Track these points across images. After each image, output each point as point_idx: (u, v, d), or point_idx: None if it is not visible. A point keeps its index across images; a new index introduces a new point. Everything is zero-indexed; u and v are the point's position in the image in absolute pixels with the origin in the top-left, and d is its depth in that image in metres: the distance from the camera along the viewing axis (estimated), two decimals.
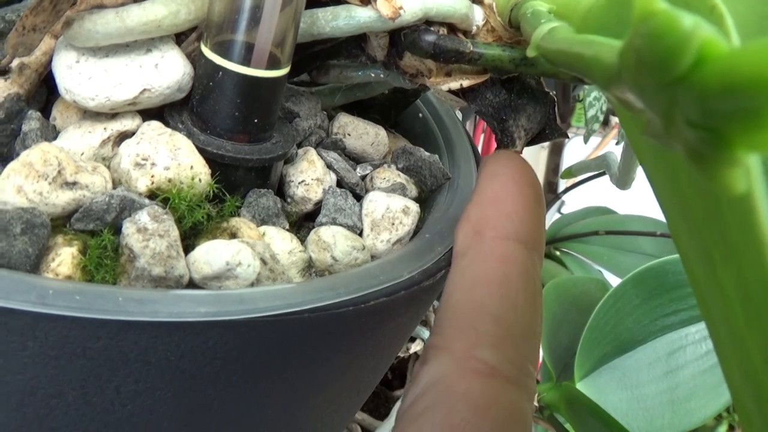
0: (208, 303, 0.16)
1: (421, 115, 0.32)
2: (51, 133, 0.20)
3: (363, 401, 0.29)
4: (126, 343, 0.16)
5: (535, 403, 0.60)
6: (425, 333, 0.55)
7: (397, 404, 0.45)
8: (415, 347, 0.55)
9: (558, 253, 0.95)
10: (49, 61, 0.20)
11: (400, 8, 0.22)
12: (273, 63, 0.21)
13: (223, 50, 0.20)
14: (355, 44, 0.25)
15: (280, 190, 0.24)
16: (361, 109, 0.31)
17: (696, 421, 0.54)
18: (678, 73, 0.10)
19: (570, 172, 0.68)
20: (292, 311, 0.17)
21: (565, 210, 1.18)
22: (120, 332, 0.16)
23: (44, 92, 0.22)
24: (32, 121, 0.19)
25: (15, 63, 0.20)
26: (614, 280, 0.71)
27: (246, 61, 0.20)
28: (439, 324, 0.19)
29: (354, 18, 0.22)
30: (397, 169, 0.27)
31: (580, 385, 0.57)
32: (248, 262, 0.17)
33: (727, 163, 0.09)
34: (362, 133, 0.27)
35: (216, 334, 0.17)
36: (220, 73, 0.20)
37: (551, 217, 1.10)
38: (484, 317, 0.18)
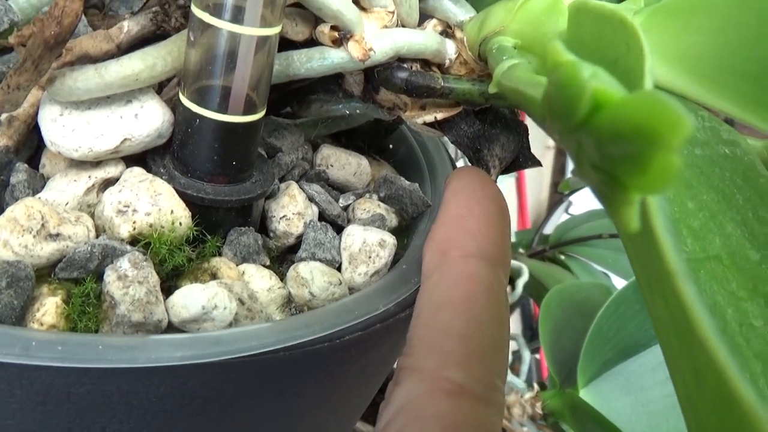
0: (185, 347, 0.17)
1: (405, 140, 0.32)
2: (39, 182, 0.21)
3: (354, 422, 0.29)
4: (108, 388, 0.17)
5: (539, 411, 0.60)
6: None
7: None
8: None
9: (563, 257, 0.95)
10: (37, 112, 0.21)
11: (370, 50, 0.23)
12: (249, 107, 0.21)
13: (200, 98, 0.21)
14: (332, 80, 0.26)
15: (263, 224, 0.25)
16: (347, 135, 0.32)
17: None
18: (578, 120, 0.11)
19: (567, 185, 0.69)
20: (267, 350, 0.18)
21: (572, 211, 1.18)
22: (102, 378, 0.17)
23: (34, 139, 0.23)
24: (20, 174, 0.20)
25: (4, 116, 0.21)
26: (621, 284, 0.72)
27: (222, 108, 0.21)
28: (409, 344, 0.19)
29: (327, 59, 0.23)
30: (379, 198, 0.27)
31: (583, 392, 0.58)
32: (224, 305, 0.18)
33: (623, 203, 0.10)
34: (345, 164, 0.28)
35: (194, 376, 0.18)
36: (198, 120, 0.21)
37: (559, 217, 1.10)
38: (450, 338, 0.18)
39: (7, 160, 0.20)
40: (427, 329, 0.19)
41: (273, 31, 0.21)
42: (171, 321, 0.18)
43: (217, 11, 0.20)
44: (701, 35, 0.21)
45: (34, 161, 0.23)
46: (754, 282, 0.18)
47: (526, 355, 0.66)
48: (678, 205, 0.19)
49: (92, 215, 0.20)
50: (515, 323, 0.80)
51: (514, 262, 0.77)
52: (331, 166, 0.28)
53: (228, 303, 0.18)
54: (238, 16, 0.20)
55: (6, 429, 0.17)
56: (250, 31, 0.20)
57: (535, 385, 0.59)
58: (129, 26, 0.24)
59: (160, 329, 0.18)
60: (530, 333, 0.94)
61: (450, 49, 0.26)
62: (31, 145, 0.23)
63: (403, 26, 0.25)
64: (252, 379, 0.19)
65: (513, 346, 0.56)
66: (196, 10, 0.20)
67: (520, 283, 0.77)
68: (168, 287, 0.20)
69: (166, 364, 0.17)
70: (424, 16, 0.27)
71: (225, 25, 0.20)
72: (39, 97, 0.22)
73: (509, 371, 0.54)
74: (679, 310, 0.12)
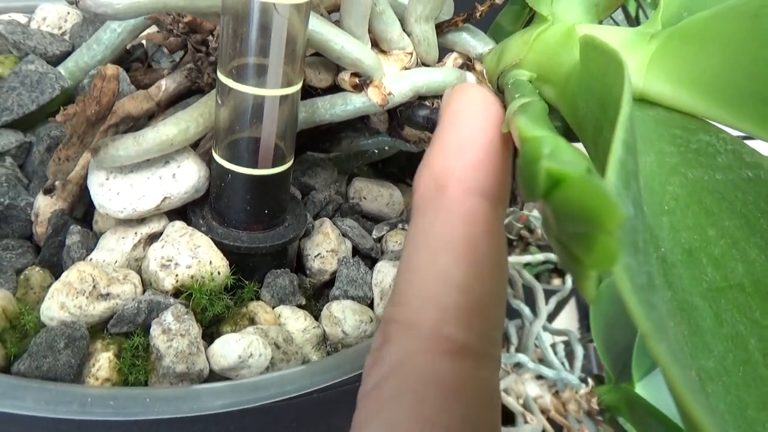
0: (224, 395, 0.19)
1: None
2: (92, 240, 0.23)
3: None
4: None
5: (595, 406, 0.60)
6: None
7: None
8: None
9: None
10: (87, 174, 0.23)
11: (389, 94, 0.24)
12: (277, 158, 0.23)
13: (231, 154, 0.22)
14: (358, 120, 0.27)
15: (300, 262, 0.26)
16: (383, 163, 0.33)
17: None
18: (539, 195, 0.12)
19: None
20: (302, 393, 0.20)
21: None
22: (151, 428, 0.18)
23: (87, 197, 0.25)
24: (74, 235, 0.22)
25: (59, 181, 0.23)
26: None
27: (252, 163, 0.22)
28: (399, 292, 0.17)
29: (349, 105, 0.24)
30: None
31: (639, 386, 0.57)
32: (259, 352, 0.20)
33: (581, 276, 0.11)
34: (377, 196, 0.29)
35: (235, 421, 0.19)
36: (230, 175, 0.22)
37: None
38: (450, 289, 0.16)
39: (63, 222, 0.22)
40: (422, 276, 0.16)
41: (295, 88, 0.22)
42: (212, 369, 0.20)
43: (240, 76, 0.21)
44: (715, 58, 0.22)
45: (88, 217, 0.25)
46: None
47: (579, 350, 0.66)
48: (698, 233, 0.19)
49: (139, 270, 0.22)
50: (569, 317, 0.79)
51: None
52: (364, 198, 0.29)
53: (263, 350, 0.20)
54: (261, 79, 0.21)
55: None
56: (274, 92, 0.21)
57: (590, 381, 0.59)
58: (166, 84, 0.26)
59: (202, 378, 0.20)
60: (587, 326, 0.94)
61: (471, 81, 0.26)
62: (85, 201, 0.25)
63: (424, 64, 0.26)
64: (287, 420, 0.20)
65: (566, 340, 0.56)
66: (221, 76, 0.21)
67: (570, 277, 0.76)
68: (210, 333, 0.22)
69: (207, 412, 0.18)
70: (445, 50, 0.27)
71: (249, 90, 0.21)
72: (88, 159, 0.24)
73: (563, 366, 0.54)
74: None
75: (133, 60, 0.31)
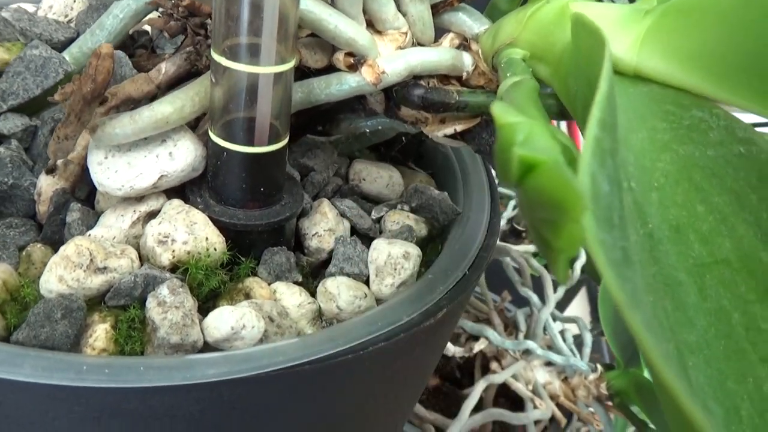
0: (217, 365, 0.19)
1: (440, 147, 0.33)
2: (92, 218, 0.23)
3: (402, 422, 0.31)
4: (153, 403, 0.19)
5: (605, 392, 0.60)
6: (489, 332, 0.56)
7: (468, 402, 0.46)
8: (479, 346, 0.56)
9: None
10: None
11: (383, 73, 0.24)
12: (273, 136, 0.23)
13: (227, 133, 0.23)
14: (355, 101, 0.27)
15: (298, 242, 0.26)
16: (385, 146, 0.33)
17: None
18: (513, 181, 0.12)
19: None
20: (293, 365, 0.20)
21: None
22: (146, 395, 0.19)
23: (89, 178, 0.25)
24: (74, 213, 0.22)
25: (60, 161, 0.24)
26: None
27: (248, 141, 0.23)
28: None
29: (344, 84, 0.25)
30: (410, 208, 0.29)
31: (647, 371, 0.57)
32: (252, 324, 0.20)
33: (551, 259, 0.11)
34: (376, 177, 0.30)
35: (228, 390, 0.19)
36: (225, 153, 0.23)
37: None
38: None
39: (64, 200, 0.23)
40: None
41: (288, 66, 0.22)
42: (206, 341, 0.20)
43: (233, 54, 0.21)
44: (710, 33, 0.21)
45: (90, 197, 0.25)
46: (766, 284, 0.18)
47: (588, 337, 0.66)
48: (687, 209, 0.19)
49: (137, 246, 0.22)
50: (581, 307, 0.79)
51: None
52: (364, 180, 0.29)
53: (256, 322, 0.20)
54: (254, 57, 0.21)
55: None
56: (267, 69, 0.22)
57: (599, 366, 0.59)
58: (166, 67, 0.26)
59: (196, 349, 0.20)
60: (598, 317, 0.93)
61: (467, 61, 0.26)
62: (87, 182, 0.25)
63: (420, 44, 0.26)
64: (282, 391, 0.20)
65: (575, 329, 0.56)
66: (215, 55, 0.22)
67: (578, 265, 0.76)
68: (207, 308, 0.22)
69: (201, 381, 0.19)
70: (442, 30, 0.27)
71: (243, 67, 0.21)
72: (89, 140, 0.24)
73: (572, 352, 0.54)
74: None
75: (137, 47, 0.32)
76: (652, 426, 0.49)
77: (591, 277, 0.85)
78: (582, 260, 0.78)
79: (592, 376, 0.58)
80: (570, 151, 0.12)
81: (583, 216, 0.09)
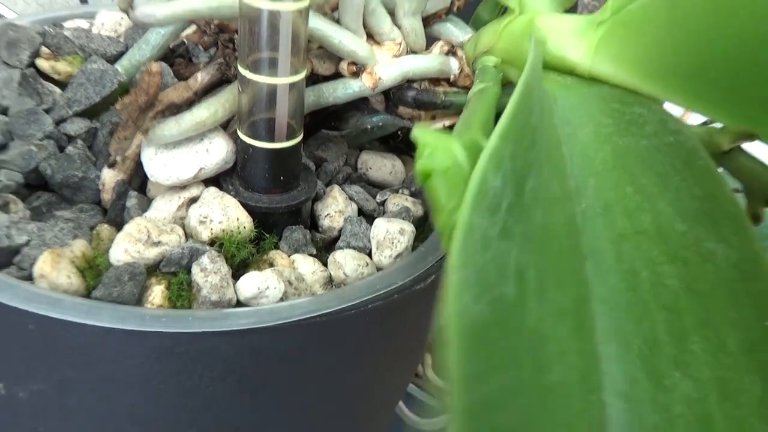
0: (247, 316, 0.24)
1: None
2: (146, 203, 0.29)
3: (396, 389, 0.36)
4: (198, 346, 0.24)
5: None
6: None
7: None
8: None
9: None
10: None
11: (380, 79, 0.29)
12: (289, 134, 0.28)
13: (252, 132, 0.28)
14: (360, 101, 0.32)
15: (313, 221, 0.31)
16: (392, 137, 0.38)
17: None
18: (420, 185, 0.17)
19: None
20: (308, 317, 0.25)
21: None
22: (193, 340, 0.24)
23: (142, 171, 0.31)
24: (132, 199, 0.28)
25: (119, 157, 0.29)
26: None
27: (269, 138, 0.28)
28: None
29: (349, 89, 0.30)
30: (410, 192, 0.33)
31: None
32: (274, 286, 0.25)
33: (445, 245, 0.16)
34: (381, 166, 0.34)
35: (256, 336, 0.25)
36: (251, 149, 0.28)
37: None
38: None
39: (124, 190, 0.29)
40: None
41: (301, 76, 0.27)
42: (238, 299, 0.26)
43: (255, 68, 0.26)
44: (649, 42, 0.26)
45: (143, 187, 0.31)
46: (676, 249, 0.22)
47: None
48: (617, 190, 0.23)
49: (183, 225, 0.28)
50: None
51: None
52: (370, 168, 0.34)
53: (277, 284, 0.25)
54: (272, 70, 0.27)
55: (136, 376, 0.25)
56: (284, 80, 0.27)
57: None
58: (201, 76, 0.31)
59: (231, 305, 0.26)
60: None
61: (454, 66, 0.31)
62: (140, 174, 0.31)
63: (413, 52, 0.31)
64: (298, 338, 0.26)
65: None
66: (241, 69, 0.27)
67: None
68: (239, 274, 0.27)
69: (235, 328, 0.24)
70: (433, 39, 0.32)
71: (264, 79, 0.26)
72: (141, 140, 0.30)
73: None
74: None
75: (176, 56, 0.37)
76: None
77: None
78: None
79: None
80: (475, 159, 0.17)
81: (449, 209, 0.14)
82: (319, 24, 0.28)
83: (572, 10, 0.32)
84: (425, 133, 0.16)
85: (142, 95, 0.26)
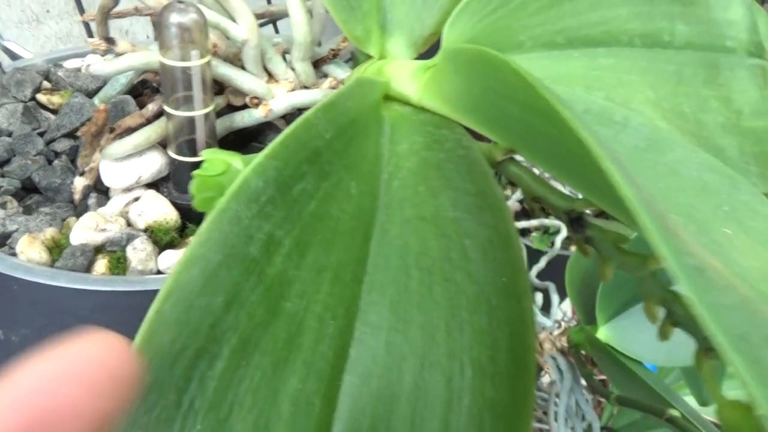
0: (160, 281, 0.35)
1: None
2: (104, 201, 0.40)
3: None
4: (130, 301, 0.35)
5: (565, 344, 0.73)
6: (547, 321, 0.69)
7: None
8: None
9: None
10: None
11: (270, 110, 0.39)
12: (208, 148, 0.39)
13: (179, 150, 0.38)
14: (272, 123, 0.42)
15: None
16: None
17: None
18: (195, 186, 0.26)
19: None
20: None
21: None
22: (126, 296, 0.35)
23: None
24: (92, 198, 0.39)
25: (86, 168, 0.40)
26: None
27: (192, 154, 0.38)
28: None
29: (252, 116, 0.40)
30: None
31: (605, 328, 0.69)
32: None
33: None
34: None
35: None
36: (178, 162, 0.38)
37: None
38: None
39: (88, 192, 0.40)
40: None
41: (210, 108, 0.38)
42: (159, 269, 0.36)
43: (176, 105, 0.37)
44: (454, 83, 0.35)
45: (108, 190, 0.42)
46: (443, 229, 0.31)
47: (555, 298, 0.78)
48: (413, 190, 0.32)
49: (127, 217, 0.39)
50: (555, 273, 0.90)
51: (554, 222, 0.88)
52: None
53: None
54: (189, 104, 0.37)
55: (88, 322, 0.36)
56: (199, 113, 0.37)
57: (563, 323, 0.72)
58: (152, 107, 0.42)
59: (153, 274, 0.36)
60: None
61: None
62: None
63: (305, 87, 0.41)
64: None
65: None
66: (165, 107, 0.37)
67: (558, 239, 0.87)
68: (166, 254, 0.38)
69: (151, 288, 0.35)
70: (325, 75, 0.42)
71: (182, 113, 0.37)
72: (99, 156, 0.40)
73: (539, 312, 0.67)
74: None
75: (145, 88, 0.48)
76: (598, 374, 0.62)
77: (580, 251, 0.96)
78: (563, 235, 0.90)
79: (556, 332, 0.72)
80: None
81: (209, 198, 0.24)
82: (227, 70, 0.38)
83: (430, 52, 0.42)
84: (211, 152, 0.26)
85: (93, 126, 0.37)
